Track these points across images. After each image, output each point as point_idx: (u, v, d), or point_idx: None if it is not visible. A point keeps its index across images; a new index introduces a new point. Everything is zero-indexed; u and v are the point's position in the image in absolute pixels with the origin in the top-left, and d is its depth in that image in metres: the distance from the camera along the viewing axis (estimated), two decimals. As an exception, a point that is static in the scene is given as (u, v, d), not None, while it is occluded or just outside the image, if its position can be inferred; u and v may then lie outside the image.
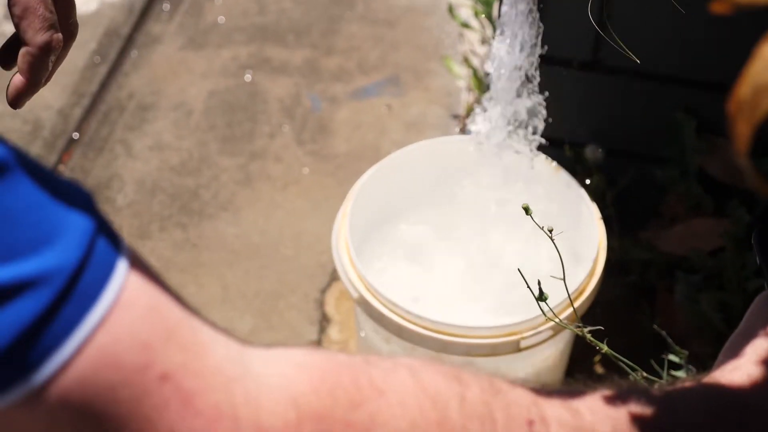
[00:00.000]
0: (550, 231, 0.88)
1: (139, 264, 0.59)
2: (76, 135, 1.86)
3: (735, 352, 0.77)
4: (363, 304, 1.28)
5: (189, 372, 0.58)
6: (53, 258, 0.55)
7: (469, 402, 0.67)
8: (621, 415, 0.70)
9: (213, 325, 0.62)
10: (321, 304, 1.67)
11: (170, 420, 0.58)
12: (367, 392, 0.64)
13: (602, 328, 0.97)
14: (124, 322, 0.56)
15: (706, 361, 0.99)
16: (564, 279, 0.92)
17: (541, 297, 0.91)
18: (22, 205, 0.55)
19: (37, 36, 0.89)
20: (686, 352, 1.20)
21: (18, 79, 0.91)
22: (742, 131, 0.46)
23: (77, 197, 0.58)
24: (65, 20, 0.92)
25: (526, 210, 0.88)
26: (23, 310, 0.54)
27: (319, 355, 0.65)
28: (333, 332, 1.64)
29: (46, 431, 0.56)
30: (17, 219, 0.54)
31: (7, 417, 0.55)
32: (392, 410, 0.64)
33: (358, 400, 0.63)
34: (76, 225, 0.56)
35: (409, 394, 0.65)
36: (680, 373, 1.21)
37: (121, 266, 0.57)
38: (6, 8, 2.03)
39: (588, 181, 1.50)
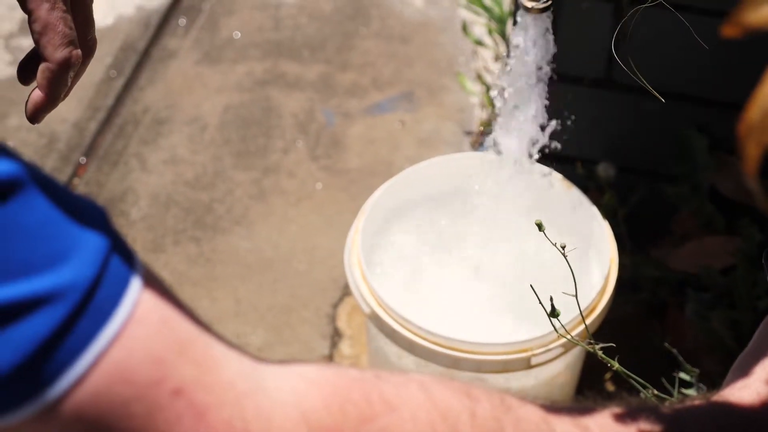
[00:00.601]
0: (563, 248, 0.88)
1: (152, 280, 0.60)
2: (83, 159, 1.88)
3: (744, 371, 0.78)
4: (375, 319, 1.29)
5: (201, 387, 0.59)
6: (68, 274, 0.55)
7: (479, 417, 0.67)
8: (631, 432, 0.71)
9: (225, 340, 0.62)
10: (333, 318, 1.68)
11: None
12: (378, 407, 0.64)
13: (614, 345, 0.97)
14: (137, 337, 0.57)
15: (716, 379, 0.99)
16: (576, 296, 0.93)
17: (554, 313, 0.91)
18: (36, 221, 0.55)
19: (57, 52, 0.89)
20: (697, 371, 1.20)
21: (37, 94, 0.92)
22: (752, 153, 0.47)
23: (91, 213, 0.58)
24: (84, 37, 0.93)
25: (539, 226, 0.89)
26: (38, 326, 0.54)
27: (330, 371, 0.66)
28: (345, 347, 1.65)
29: None
30: (32, 235, 0.55)
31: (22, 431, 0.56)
32: (403, 425, 0.64)
33: (369, 415, 0.63)
34: (90, 241, 0.57)
35: (420, 409, 0.65)
36: (691, 391, 1.21)
37: (135, 282, 0.58)
38: (23, 22, 2.05)
39: (604, 198, 1.50)
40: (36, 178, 0.57)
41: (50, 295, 0.55)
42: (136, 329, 0.57)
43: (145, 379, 0.57)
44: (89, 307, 0.56)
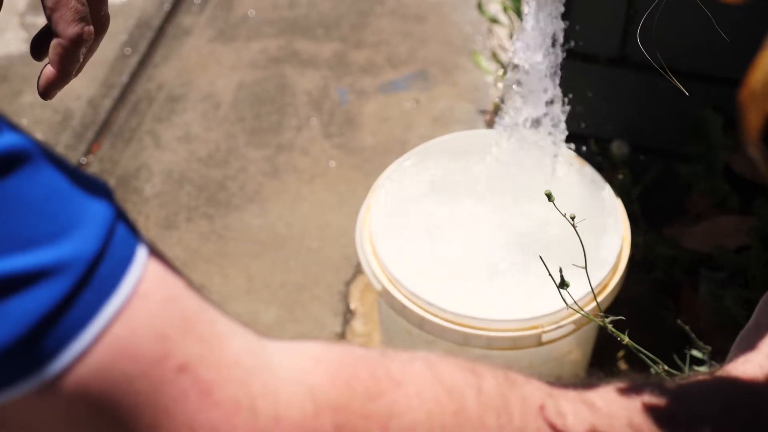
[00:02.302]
0: (573, 218, 0.88)
1: (156, 256, 0.59)
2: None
3: (747, 346, 0.78)
4: (385, 296, 1.28)
5: (207, 363, 0.59)
6: (70, 248, 0.55)
7: (485, 393, 0.67)
8: (635, 406, 0.70)
9: (231, 317, 0.62)
10: (345, 296, 1.68)
11: (189, 411, 0.58)
12: (384, 384, 0.64)
13: (624, 318, 0.97)
14: (141, 313, 0.57)
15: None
16: (586, 268, 0.92)
17: (563, 284, 0.91)
18: (41, 194, 0.55)
19: (69, 28, 0.89)
20: (709, 348, 1.20)
21: (49, 70, 0.92)
22: (754, 120, 0.47)
23: (95, 189, 0.58)
24: (97, 13, 0.93)
25: (549, 196, 0.88)
26: (39, 299, 0.54)
27: (336, 349, 0.65)
28: (357, 324, 1.65)
29: (61, 423, 0.57)
30: (35, 208, 0.55)
31: (23, 407, 0.55)
32: (409, 401, 0.64)
33: (375, 391, 0.63)
34: (93, 216, 0.57)
35: (426, 386, 0.65)
36: (703, 369, 1.21)
37: (139, 257, 0.58)
38: (36, 0, 2.05)
39: (618, 176, 1.50)
40: (40, 152, 0.56)
41: (52, 269, 0.54)
42: (141, 304, 0.57)
43: (150, 355, 0.57)
44: (92, 282, 0.55)
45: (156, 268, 0.58)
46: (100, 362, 0.55)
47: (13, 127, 0.56)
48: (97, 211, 0.57)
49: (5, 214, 0.53)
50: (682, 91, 1.48)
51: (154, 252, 0.59)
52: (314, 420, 0.61)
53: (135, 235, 0.58)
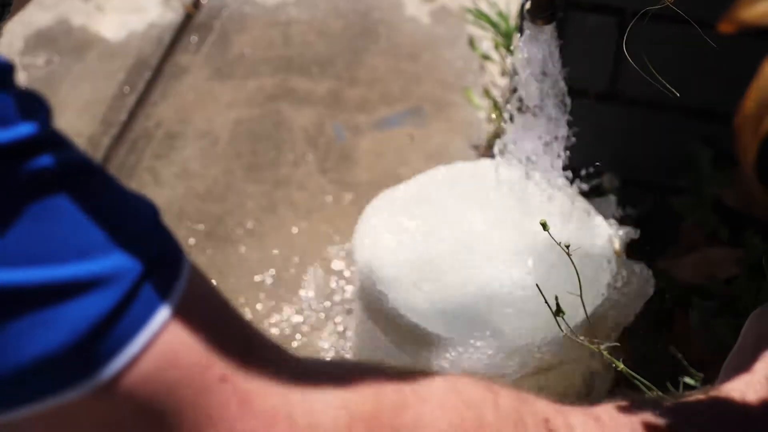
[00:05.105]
0: (567, 247, 0.91)
1: (198, 272, 0.63)
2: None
3: (737, 366, 0.82)
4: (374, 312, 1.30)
5: (247, 375, 0.62)
6: (124, 259, 0.58)
7: (501, 408, 0.70)
8: (638, 421, 0.74)
9: (265, 334, 0.66)
10: (344, 332, 1.70)
11: (229, 419, 0.60)
12: (409, 398, 0.67)
13: (618, 344, 1.00)
14: (187, 324, 0.60)
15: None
16: (581, 296, 0.95)
17: (559, 312, 0.94)
18: (100, 206, 0.58)
19: None
20: (701, 375, 1.23)
21: None
22: (748, 143, 0.50)
23: (146, 206, 0.62)
24: None
25: (544, 226, 0.91)
26: (96, 305, 0.57)
27: (362, 365, 0.69)
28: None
29: (106, 429, 0.59)
30: (95, 219, 0.58)
31: (74, 411, 0.58)
32: (433, 414, 0.67)
33: (402, 404, 0.67)
34: (145, 230, 0.60)
35: (447, 400, 0.69)
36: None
37: (185, 272, 0.61)
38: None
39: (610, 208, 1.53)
40: (99, 168, 0.60)
41: (106, 278, 0.57)
42: (186, 316, 0.60)
43: (194, 365, 0.60)
44: (143, 292, 0.58)
45: (199, 283, 0.62)
46: (148, 369, 0.58)
47: (74, 145, 0.59)
48: (148, 227, 0.60)
49: (67, 224, 0.56)
50: (673, 125, 1.52)
51: (196, 269, 0.62)
52: (348, 430, 0.63)
53: (180, 251, 0.62)
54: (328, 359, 0.69)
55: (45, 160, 0.57)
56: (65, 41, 2.07)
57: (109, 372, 0.57)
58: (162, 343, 0.59)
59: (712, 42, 1.08)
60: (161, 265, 0.59)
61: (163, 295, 0.59)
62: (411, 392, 0.67)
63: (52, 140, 0.58)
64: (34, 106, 0.58)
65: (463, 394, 0.69)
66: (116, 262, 0.58)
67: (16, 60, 2.08)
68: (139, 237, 0.59)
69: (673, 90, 1.12)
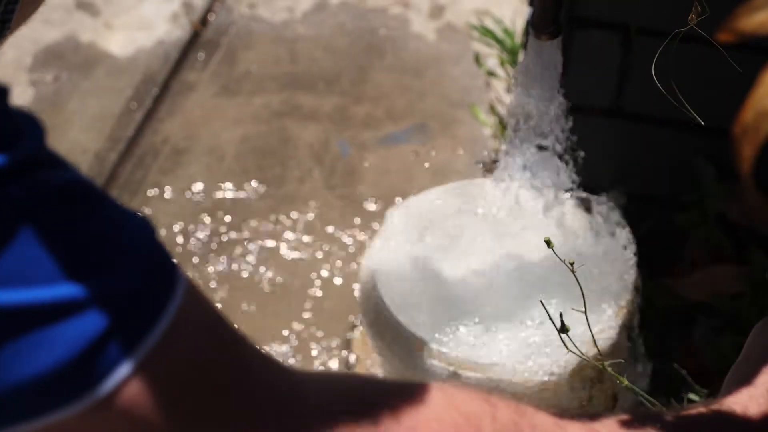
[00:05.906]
0: (572, 264, 0.91)
1: (193, 288, 0.63)
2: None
3: (740, 379, 0.81)
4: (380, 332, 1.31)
5: (243, 389, 0.62)
6: (119, 279, 0.59)
7: (499, 421, 0.71)
8: (638, 434, 0.74)
9: (260, 348, 0.66)
10: (348, 344, 1.70)
11: None
12: (405, 410, 0.67)
13: (623, 360, 1.00)
14: (183, 339, 0.60)
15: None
16: (585, 312, 0.95)
17: (563, 329, 0.94)
18: (96, 227, 0.59)
19: None
20: (705, 391, 1.23)
21: None
22: (747, 153, 0.50)
23: (140, 224, 0.62)
24: None
25: (548, 243, 0.91)
26: (90, 323, 0.57)
27: (358, 378, 0.70)
28: (359, 371, 1.67)
29: None
30: (90, 240, 0.59)
31: (72, 427, 0.58)
32: (430, 425, 0.67)
33: (397, 417, 0.67)
34: (140, 249, 0.61)
35: (444, 412, 0.69)
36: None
37: (179, 289, 0.61)
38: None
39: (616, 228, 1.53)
40: (95, 189, 0.61)
41: (102, 297, 0.58)
42: (181, 332, 0.60)
43: (189, 379, 0.61)
44: (138, 309, 0.59)
45: (194, 299, 0.62)
46: (144, 384, 0.59)
47: (68, 164, 0.59)
48: (142, 245, 0.61)
49: (65, 244, 0.57)
50: (676, 141, 1.52)
51: (191, 284, 0.63)
52: None
53: (174, 268, 0.62)
54: (326, 372, 0.69)
55: (27, 184, 0.57)
56: (73, 58, 2.08)
57: (106, 389, 0.58)
58: (159, 359, 0.59)
59: (735, 64, 1.08)
60: (157, 282, 0.60)
61: (159, 311, 0.60)
62: (407, 405, 0.68)
63: (40, 161, 0.58)
64: (18, 131, 0.58)
65: (461, 408, 0.69)
66: (112, 281, 0.58)
67: (25, 76, 2.09)
68: (132, 255, 0.60)
69: (697, 116, 1.12)
